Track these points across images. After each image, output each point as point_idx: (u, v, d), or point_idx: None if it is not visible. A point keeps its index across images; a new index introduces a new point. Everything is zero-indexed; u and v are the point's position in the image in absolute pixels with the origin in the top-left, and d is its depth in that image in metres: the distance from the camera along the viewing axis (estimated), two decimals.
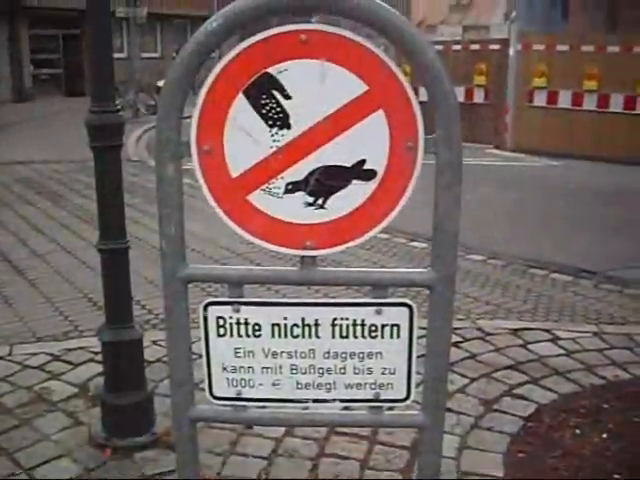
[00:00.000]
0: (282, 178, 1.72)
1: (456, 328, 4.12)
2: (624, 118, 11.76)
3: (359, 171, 1.70)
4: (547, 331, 4.17)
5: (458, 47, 14.26)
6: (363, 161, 1.70)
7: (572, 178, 10.40)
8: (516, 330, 4.17)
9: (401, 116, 1.66)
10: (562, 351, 3.89)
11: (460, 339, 3.99)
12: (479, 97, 13.61)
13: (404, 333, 1.80)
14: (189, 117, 1.71)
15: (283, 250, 1.77)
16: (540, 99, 12.62)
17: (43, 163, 11.00)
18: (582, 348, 3.93)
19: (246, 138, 1.69)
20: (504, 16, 35.25)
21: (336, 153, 1.69)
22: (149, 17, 20.31)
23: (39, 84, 26.55)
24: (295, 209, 1.73)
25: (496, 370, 3.62)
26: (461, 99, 13.45)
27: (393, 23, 1.60)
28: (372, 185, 1.71)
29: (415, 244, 6.22)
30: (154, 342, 3.80)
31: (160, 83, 18.90)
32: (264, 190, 1.73)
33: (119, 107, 2.93)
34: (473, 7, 59.87)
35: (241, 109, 1.69)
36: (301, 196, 1.72)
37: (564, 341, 4.02)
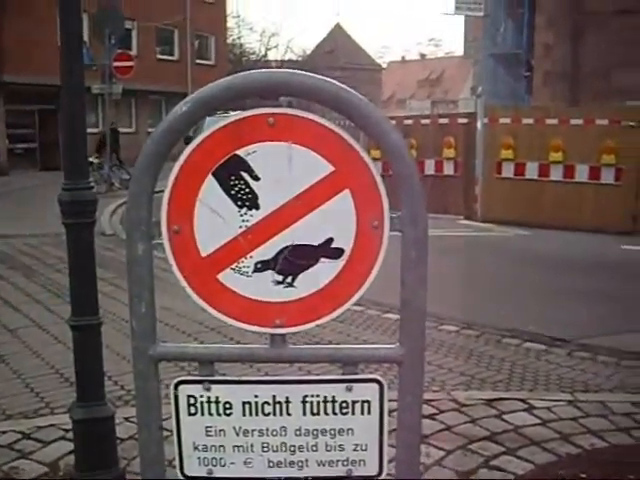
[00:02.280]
0: (251, 257, 1.75)
1: (431, 400, 4.11)
2: (590, 188, 12.06)
3: (327, 250, 1.74)
4: (522, 401, 4.16)
5: (427, 121, 14.61)
6: (331, 240, 1.74)
7: (542, 247, 10.56)
8: (491, 400, 4.15)
9: (367, 196, 1.71)
10: (537, 420, 3.88)
11: (435, 411, 3.97)
12: (449, 169, 13.89)
13: (375, 409, 1.81)
14: (161, 191, 1.74)
15: (253, 329, 1.79)
16: (508, 171, 12.91)
17: (17, 237, 10.94)
18: (557, 417, 3.92)
19: (216, 218, 1.73)
20: (471, 90, 36.30)
21: (304, 232, 1.73)
22: (124, 93, 20.60)
23: (14, 158, 26.64)
24: (264, 288, 1.76)
25: (472, 441, 3.59)
26: (431, 171, 13.78)
27: (357, 106, 1.67)
28: (340, 263, 1.75)
29: (389, 316, 6.20)
30: (127, 419, 3.73)
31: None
32: (234, 269, 1.76)
33: (92, 184, 2.96)
34: (441, 82, 61.71)
35: (211, 190, 1.73)
36: (270, 275, 1.75)
37: (539, 410, 4.01)
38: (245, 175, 1.71)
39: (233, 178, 1.72)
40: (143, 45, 31.04)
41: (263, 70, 1.74)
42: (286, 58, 46.65)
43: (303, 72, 1.72)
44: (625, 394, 4.47)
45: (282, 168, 1.71)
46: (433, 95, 58.34)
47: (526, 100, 17.64)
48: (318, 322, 1.78)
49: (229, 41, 40.92)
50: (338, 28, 64.81)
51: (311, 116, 1.69)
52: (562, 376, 4.84)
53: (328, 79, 1.67)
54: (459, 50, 58.60)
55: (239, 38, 44.58)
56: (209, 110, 1.73)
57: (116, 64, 19.25)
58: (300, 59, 49.35)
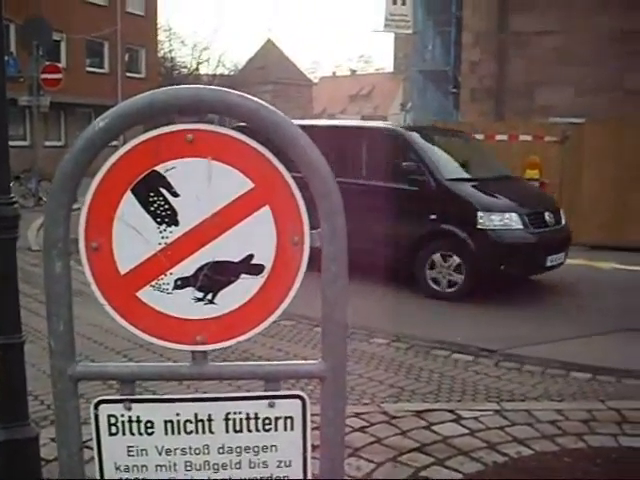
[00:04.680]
0: (171, 274, 1.73)
1: (361, 413, 4.14)
2: None
3: (247, 266, 1.73)
4: (450, 411, 4.22)
5: None
6: (251, 256, 1.73)
7: None
8: (420, 412, 4.20)
9: (286, 211, 1.72)
10: (465, 430, 3.94)
11: (365, 424, 3.99)
12: None
13: (298, 425, 1.81)
14: (79, 209, 1.71)
15: (174, 346, 1.77)
16: None
17: None
18: (485, 426, 3.99)
19: (135, 235, 1.71)
20: (401, 106, 36.84)
21: (224, 249, 1.72)
22: (53, 106, 20.14)
23: None
24: (185, 305, 1.74)
25: (402, 453, 3.63)
26: None
27: (273, 122, 1.67)
28: (260, 279, 1.74)
29: (319, 330, 6.21)
30: (52, 439, 3.62)
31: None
32: (153, 286, 1.74)
33: (14, 199, 2.89)
34: (372, 98, 62.47)
35: (129, 206, 1.71)
36: (191, 292, 1.74)
37: (467, 420, 4.08)
38: (164, 191, 1.70)
39: (152, 194, 1.70)
40: (72, 57, 30.48)
41: (185, 86, 1.73)
42: (218, 72, 46.39)
43: (225, 89, 1.71)
44: (550, 402, 4.59)
45: (201, 184, 1.70)
46: (364, 110, 58.99)
47: (454, 115, 18.03)
48: (240, 338, 1.77)
49: (160, 54, 40.53)
50: (270, 43, 64.98)
51: (230, 132, 1.69)
52: (489, 386, 4.94)
53: (248, 96, 1.68)
54: (389, 66, 59.39)
55: (170, 51, 44.14)
56: (129, 126, 1.71)
57: (44, 76, 18.80)
58: (232, 73, 49.13)
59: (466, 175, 8.69)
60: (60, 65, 21.82)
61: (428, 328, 6.51)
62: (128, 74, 34.10)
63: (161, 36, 40.28)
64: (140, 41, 34.99)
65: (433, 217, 8.09)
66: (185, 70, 44.81)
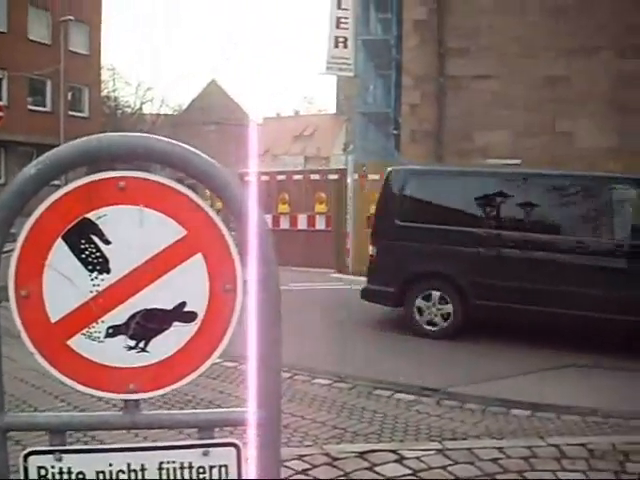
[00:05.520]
0: (103, 322, 1.71)
1: (304, 455, 4.10)
2: None
3: (180, 314, 1.73)
4: (393, 452, 4.21)
5: (299, 177, 14.94)
6: (183, 304, 1.73)
7: None
8: (363, 453, 4.18)
9: (219, 259, 1.72)
10: (408, 471, 3.93)
11: (308, 466, 3.96)
12: (321, 224, 14.23)
13: (232, 473, 1.78)
14: (10, 251, 1.69)
15: (105, 395, 1.74)
16: None
17: None
18: (427, 466, 3.99)
19: (66, 282, 1.69)
20: (344, 146, 37.25)
21: (156, 296, 1.71)
22: None
23: None
24: (117, 353, 1.72)
25: None
26: (304, 226, 14.07)
27: (206, 171, 1.69)
28: (193, 327, 1.74)
29: None
30: None
31: None
32: (85, 334, 1.71)
33: None
34: (315, 138, 63.06)
35: (60, 253, 1.69)
36: (122, 340, 1.72)
37: (409, 460, 4.07)
38: (96, 239, 1.69)
39: (83, 242, 1.69)
40: (14, 95, 30.07)
41: (118, 135, 1.72)
42: (161, 112, 46.32)
43: (157, 137, 1.72)
44: (491, 440, 4.63)
45: (133, 232, 1.69)
46: (307, 150, 59.39)
47: (396, 157, 18.30)
48: (173, 387, 1.76)
49: (104, 93, 40.27)
50: (213, 84, 65.09)
51: (162, 180, 1.70)
52: (431, 425, 4.96)
53: (179, 143, 1.69)
54: (332, 107, 60.24)
55: (114, 91, 43.93)
56: (60, 173, 1.70)
57: None
58: (176, 113, 49.13)
59: None
60: (1, 103, 21.54)
61: (371, 367, 6.51)
62: (71, 113, 33.75)
63: (105, 75, 40.11)
64: (83, 80, 34.73)
65: None
66: (129, 109, 44.64)
